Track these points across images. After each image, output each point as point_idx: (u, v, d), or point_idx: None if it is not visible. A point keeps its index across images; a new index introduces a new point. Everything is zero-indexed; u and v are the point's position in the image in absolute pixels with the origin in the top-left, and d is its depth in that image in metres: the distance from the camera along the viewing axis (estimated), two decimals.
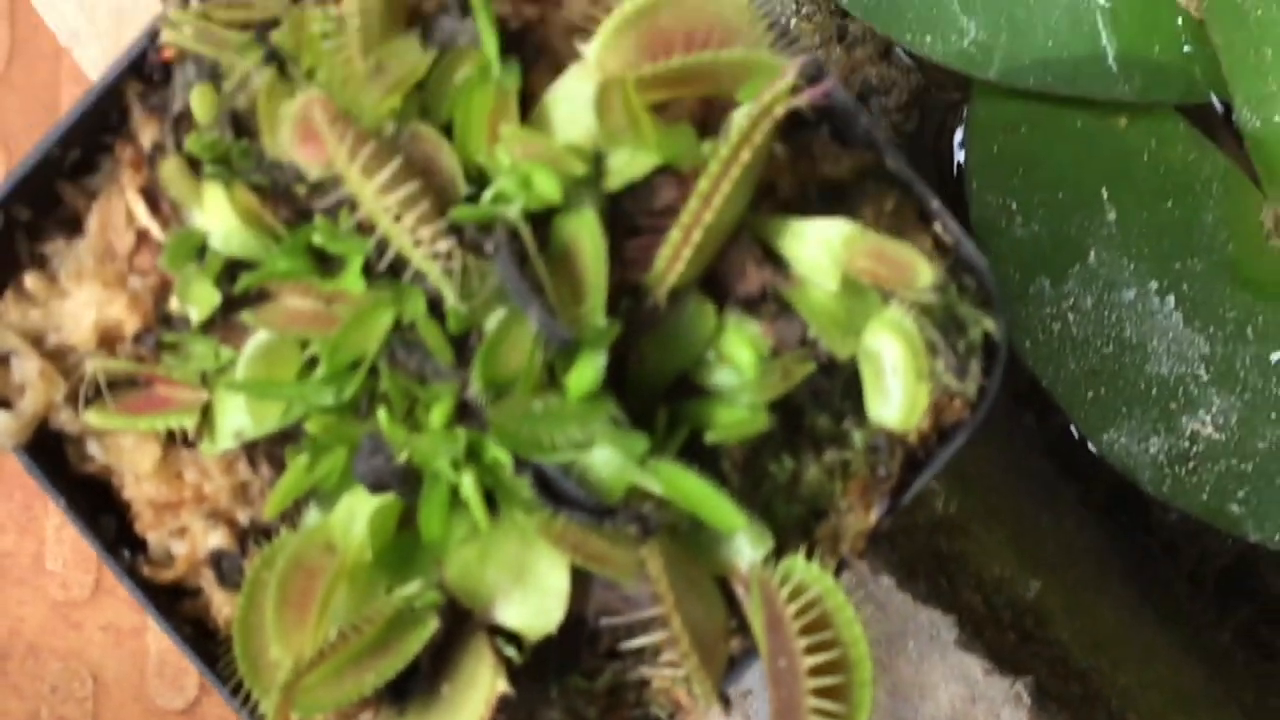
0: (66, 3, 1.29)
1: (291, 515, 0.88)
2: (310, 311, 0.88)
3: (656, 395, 0.88)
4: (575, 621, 0.88)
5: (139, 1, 1.26)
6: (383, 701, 0.87)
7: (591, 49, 0.86)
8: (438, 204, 0.85)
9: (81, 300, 0.93)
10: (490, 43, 0.87)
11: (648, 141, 0.86)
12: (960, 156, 1.39)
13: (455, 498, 0.85)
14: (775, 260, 0.89)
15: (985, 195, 1.34)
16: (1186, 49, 1.34)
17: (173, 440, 0.92)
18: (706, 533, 0.87)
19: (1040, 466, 1.37)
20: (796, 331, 0.88)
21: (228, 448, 0.90)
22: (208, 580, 0.92)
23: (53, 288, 0.94)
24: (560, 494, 0.84)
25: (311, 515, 0.88)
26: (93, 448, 0.95)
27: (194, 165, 0.91)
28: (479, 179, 0.87)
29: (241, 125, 0.91)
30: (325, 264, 0.88)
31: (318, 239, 0.87)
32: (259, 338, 0.88)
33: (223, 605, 0.92)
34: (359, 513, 0.86)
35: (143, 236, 0.93)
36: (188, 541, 0.93)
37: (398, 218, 0.83)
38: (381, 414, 0.85)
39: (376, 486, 0.85)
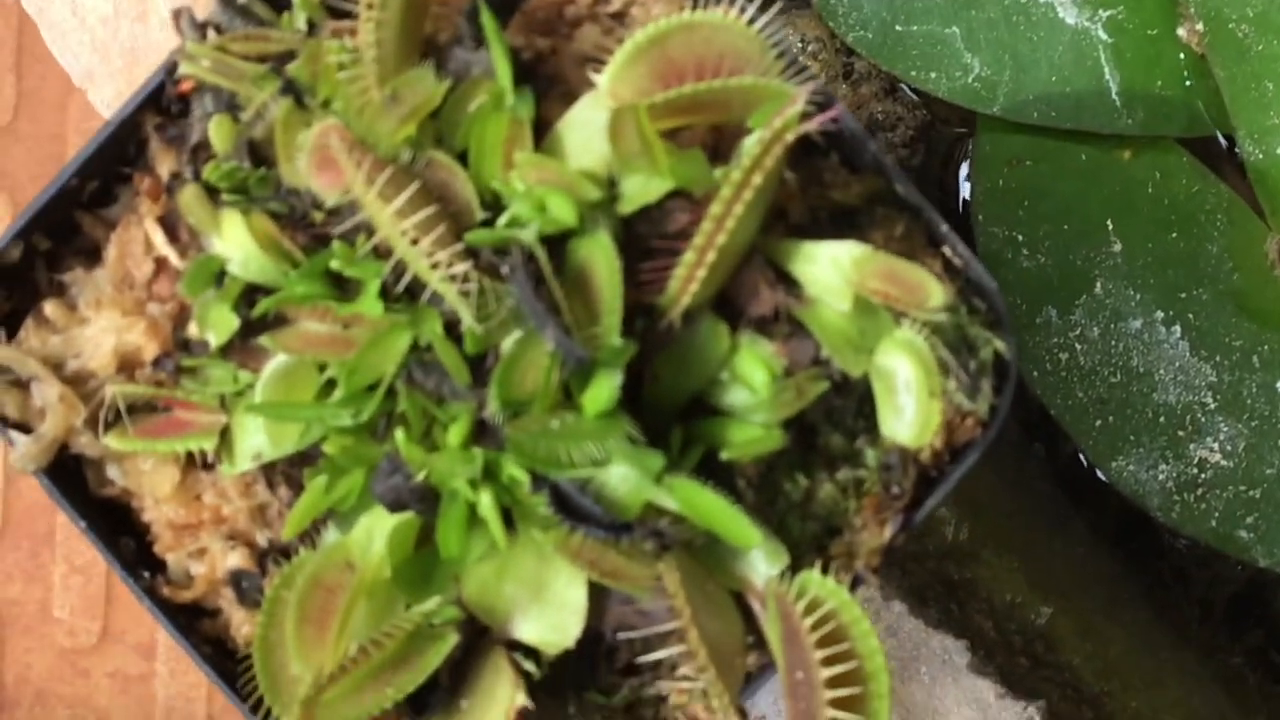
0: (81, 44, 1.30)
1: (310, 535, 0.90)
2: (328, 335, 0.89)
3: (672, 414, 0.89)
4: (593, 636, 0.89)
5: (152, 42, 1.28)
6: (403, 715, 0.87)
7: (604, 77, 0.88)
8: (454, 228, 0.86)
9: (101, 327, 0.95)
10: (504, 72, 0.89)
11: (660, 167, 0.87)
12: (966, 190, 1.40)
13: (473, 515, 0.86)
14: (787, 282, 0.90)
15: (991, 227, 1.36)
16: (1189, 83, 1.36)
17: (192, 463, 0.94)
18: (722, 548, 0.88)
19: (1051, 494, 1.38)
20: (809, 351, 0.89)
21: (246, 469, 0.91)
22: (227, 600, 0.94)
23: (72, 315, 0.96)
24: (577, 510, 0.85)
25: (330, 535, 0.90)
26: (112, 471, 0.96)
27: (212, 194, 0.93)
28: (494, 204, 0.88)
29: (259, 154, 0.92)
30: (342, 288, 0.90)
31: (335, 263, 0.88)
32: (277, 361, 0.90)
33: (242, 624, 0.93)
34: (377, 531, 0.87)
35: (161, 264, 0.95)
36: (207, 562, 0.94)
37: (415, 241, 0.84)
38: (399, 434, 0.86)
39: (395, 505, 0.86)
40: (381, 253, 0.88)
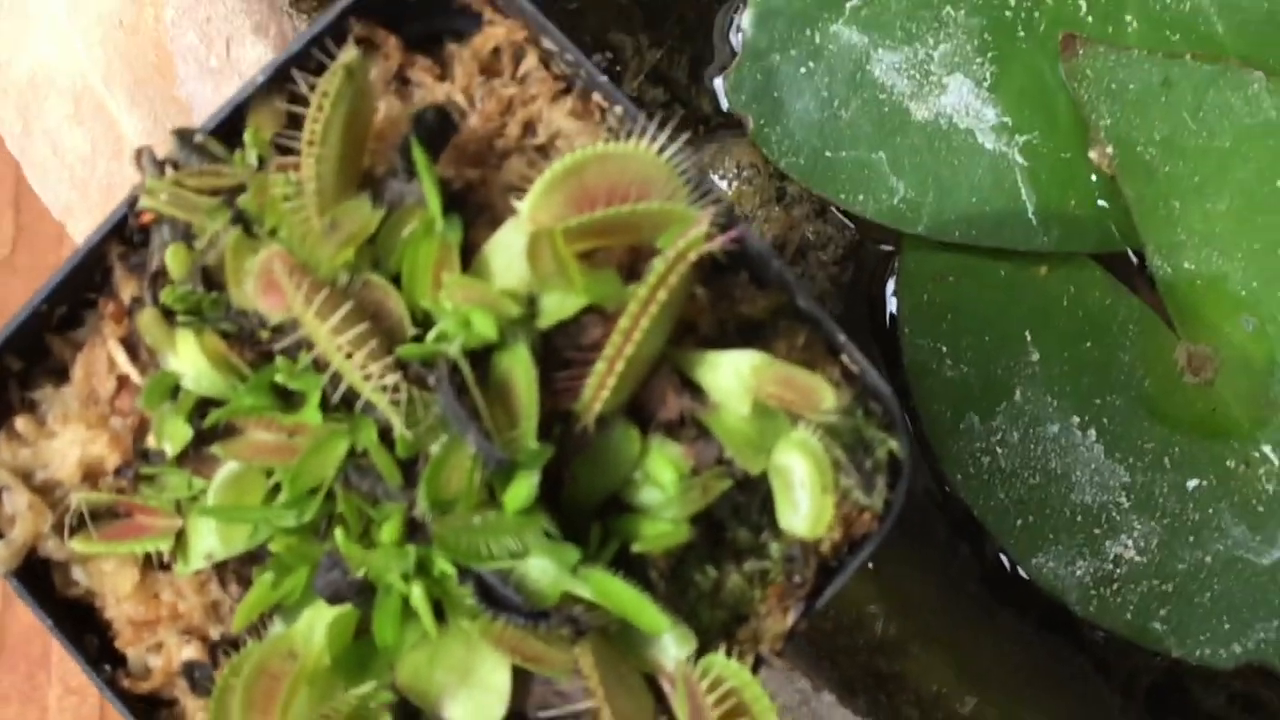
0: (60, 180, 1.38)
1: (258, 629, 0.96)
2: (273, 443, 0.96)
3: (590, 512, 0.96)
4: (516, 717, 0.95)
5: (128, 177, 1.35)
6: None
7: (525, 205, 0.95)
8: (386, 343, 0.94)
9: (67, 440, 1.02)
10: (434, 202, 0.96)
11: (575, 285, 0.94)
12: (893, 304, 1.47)
13: (406, 607, 0.93)
14: (693, 388, 0.97)
15: (917, 340, 1.43)
16: (1101, 203, 1.43)
17: (150, 564, 1.00)
18: (635, 634, 0.95)
19: (977, 592, 1.44)
20: (713, 452, 0.96)
21: (200, 568, 0.98)
22: (182, 690, 1.00)
23: (41, 429, 1.03)
24: (500, 600, 0.92)
25: (276, 627, 0.96)
26: (77, 573, 1.03)
27: (169, 315, 1.00)
28: (425, 321, 0.96)
29: (211, 279, 1.00)
30: (286, 399, 0.97)
31: (279, 377, 0.95)
32: (228, 468, 0.97)
33: (196, 712, 1.00)
34: (319, 623, 0.94)
35: (123, 381, 1.02)
36: (164, 655, 1.00)
37: (349, 355, 0.92)
38: (338, 533, 0.93)
39: (334, 599, 0.93)
40: (321, 366, 0.95)
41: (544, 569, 0.93)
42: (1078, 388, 1.42)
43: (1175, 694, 1.45)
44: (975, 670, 1.40)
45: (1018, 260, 1.44)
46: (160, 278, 1.01)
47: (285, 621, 0.96)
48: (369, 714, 0.93)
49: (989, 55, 1.44)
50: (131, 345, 1.02)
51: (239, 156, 1.02)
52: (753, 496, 0.99)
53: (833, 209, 1.50)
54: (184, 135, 1.02)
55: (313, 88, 0.96)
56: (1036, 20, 1.44)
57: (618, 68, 1.52)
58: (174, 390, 0.99)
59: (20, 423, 1.03)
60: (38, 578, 1.03)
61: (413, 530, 0.94)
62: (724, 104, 1.49)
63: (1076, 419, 1.41)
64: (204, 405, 0.99)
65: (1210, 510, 1.40)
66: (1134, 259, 1.46)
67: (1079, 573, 1.39)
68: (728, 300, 1.02)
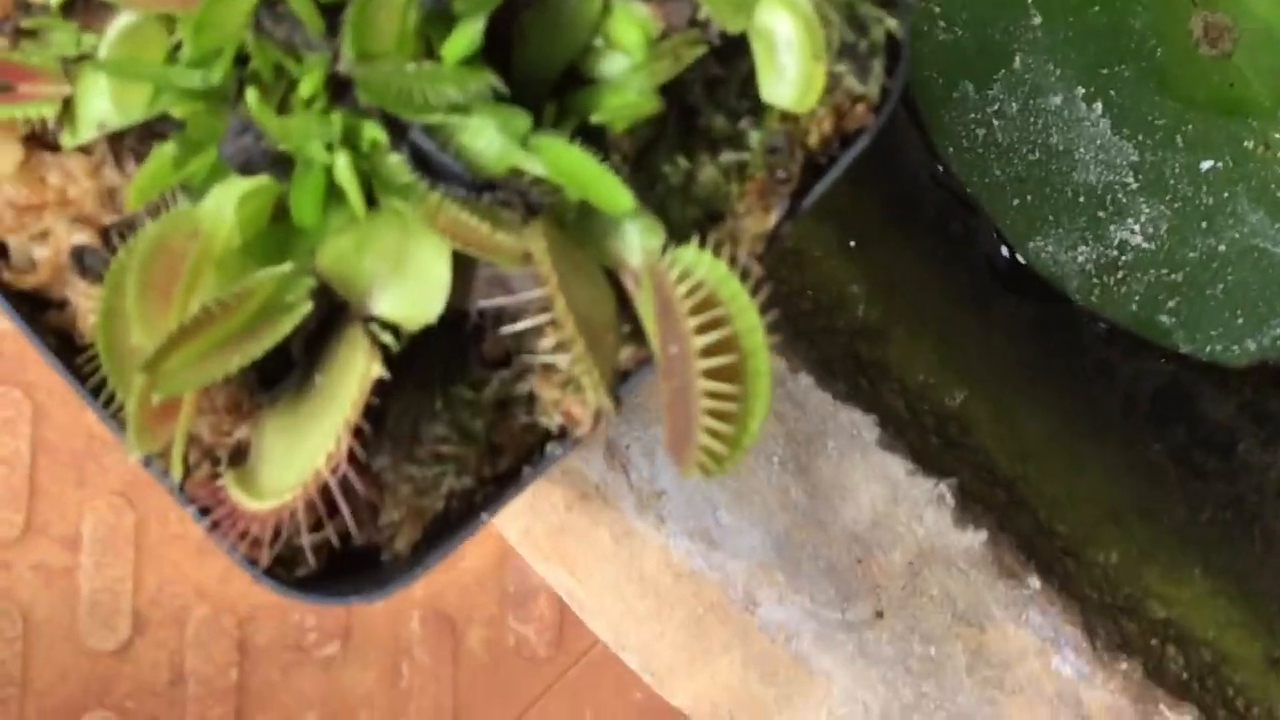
0: None
1: (158, 210, 0.84)
2: None
3: (545, 86, 0.84)
4: (457, 319, 0.84)
5: None
6: (254, 391, 0.83)
7: None
8: None
9: None
10: None
11: None
12: None
13: (331, 185, 0.81)
14: None
15: None
16: None
17: (37, 142, 0.88)
18: (596, 224, 0.83)
19: (970, 279, 1.36)
20: (686, 11, 0.85)
21: (91, 139, 0.86)
22: (72, 287, 0.89)
23: None
24: (438, 168, 0.80)
25: (180, 206, 0.85)
26: None
27: None
28: None
29: None
30: None
31: None
32: (123, 19, 0.85)
33: (89, 314, 0.88)
34: (228, 199, 0.82)
35: None
36: (51, 245, 0.89)
37: None
38: (251, 94, 0.81)
39: (245, 167, 0.81)
40: None
41: (489, 139, 0.81)
42: (1083, 55, 1.32)
43: (1180, 403, 1.37)
44: (965, 363, 1.32)
45: None
46: None
47: (191, 202, 0.84)
48: (286, 304, 0.81)
49: None
50: None
51: None
52: (731, 73, 0.87)
53: None
54: None
55: None
56: None
57: None
58: None
59: None
60: None
61: (339, 94, 0.82)
62: None
63: (1081, 90, 1.32)
64: None
65: (1225, 194, 1.31)
66: None
67: (1080, 259, 1.31)
68: None
